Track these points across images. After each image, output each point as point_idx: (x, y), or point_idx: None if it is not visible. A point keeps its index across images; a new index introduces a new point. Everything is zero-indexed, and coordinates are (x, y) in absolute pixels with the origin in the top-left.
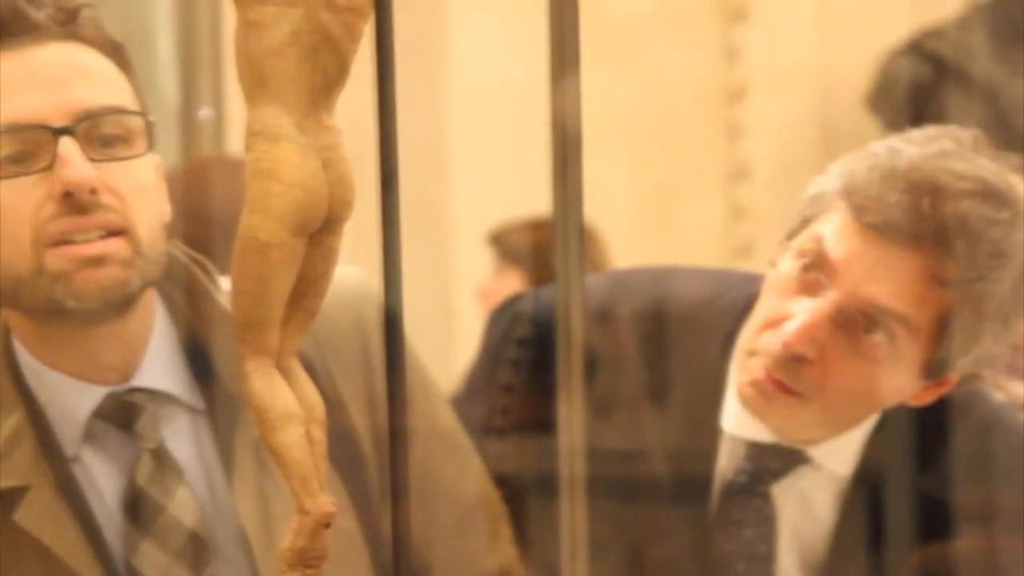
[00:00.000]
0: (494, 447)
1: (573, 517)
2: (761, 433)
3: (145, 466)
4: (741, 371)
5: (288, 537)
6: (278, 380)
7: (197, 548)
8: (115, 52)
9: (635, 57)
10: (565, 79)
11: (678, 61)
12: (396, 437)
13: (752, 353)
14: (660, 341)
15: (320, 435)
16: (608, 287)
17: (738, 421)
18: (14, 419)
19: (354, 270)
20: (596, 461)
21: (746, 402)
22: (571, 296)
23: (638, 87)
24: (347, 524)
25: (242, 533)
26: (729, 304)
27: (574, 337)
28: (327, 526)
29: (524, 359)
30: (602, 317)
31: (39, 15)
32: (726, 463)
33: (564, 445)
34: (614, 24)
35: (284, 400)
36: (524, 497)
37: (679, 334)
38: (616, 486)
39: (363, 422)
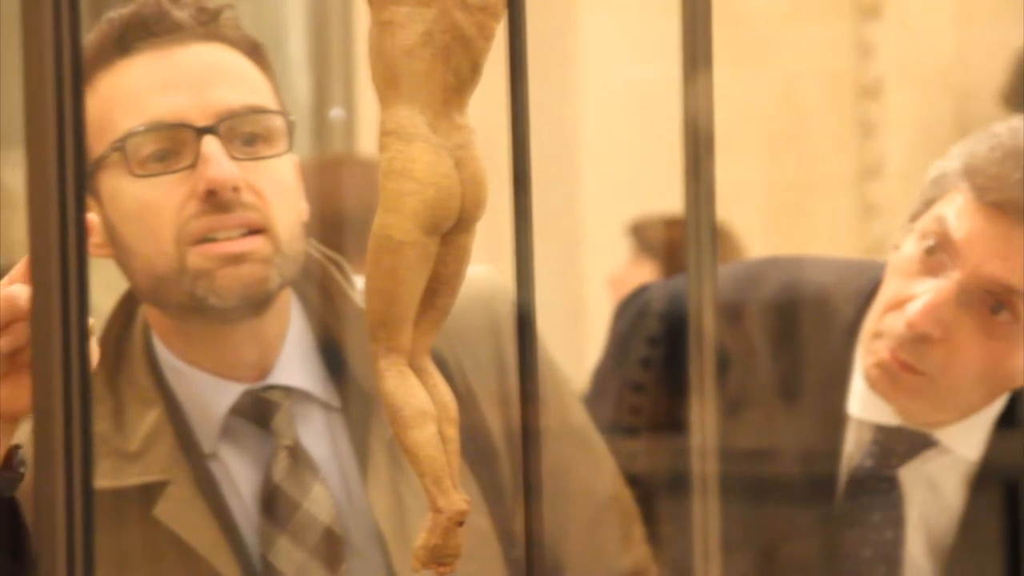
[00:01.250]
0: (624, 442)
1: (706, 516)
2: (887, 416)
3: (281, 463)
4: (867, 354)
5: (422, 535)
6: (411, 379)
7: (332, 545)
8: (255, 52)
9: (767, 54)
10: (697, 77)
11: (810, 58)
12: (528, 436)
13: (877, 335)
14: (786, 329)
15: (453, 433)
16: (731, 277)
17: (864, 404)
18: (154, 415)
19: (486, 268)
20: (727, 457)
21: (872, 384)
22: (703, 295)
23: (770, 84)
24: (480, 521)
25: (377, 530)
26: (854, 291)
27: (706, 335)
28: (460, 524)
29: (653, 352)
30: (727, 307)
31: (182, 16)
32: (853, 448)
33: (696, 444)
34: (746, 21)
35: (417, 399)
36: (655, 496)
37: (805, 322)
38: (747, 478)
39: (496, 419)
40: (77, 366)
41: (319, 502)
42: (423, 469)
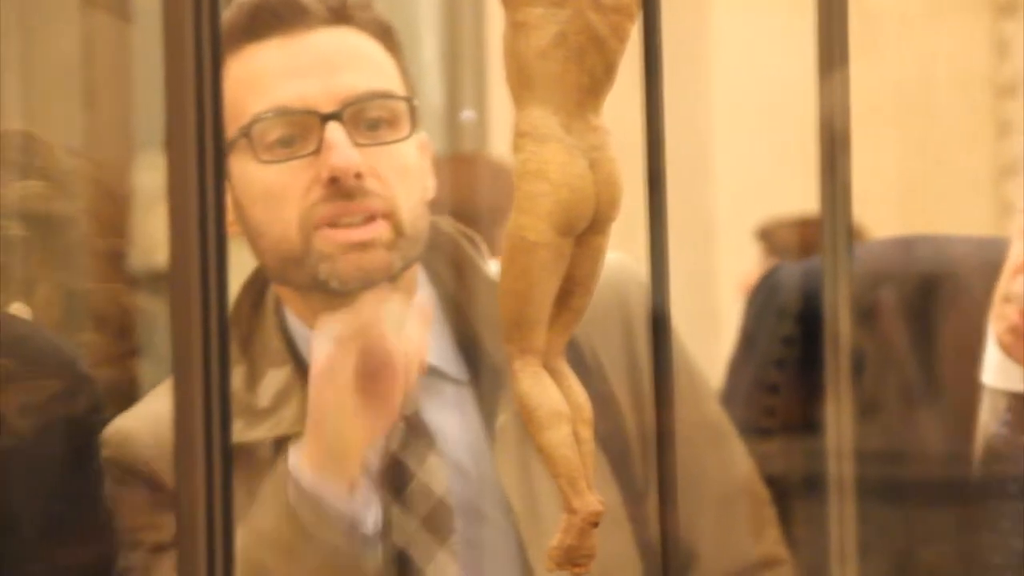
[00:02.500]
0: (759, 444)
1: (842, 518)
2: (1021, 384)
3: (398, 433)
4: (998, 319)
5: (556, 536)
6: (546, 380)
7: (443, 516)
8: (384, 34)
9: (902, 52)
10: (833, 75)
11: (946, 56)
12: (663, 437)
13: (1007, 299)
14: (915, 305)
15: (588, 434)
16: (867, 258)
17: (998, 373)
18: (284, 375)
19: (617, 255)
20: (863, 458)
21: (1006, 349)
22: (839, 295)
23: (905, 83)
24: (611, 499)
25: (507, 501)
26: (982, 264)
27: (842, 337)
28: (595, 525)
29: (786, 335)
30: (864, 287)
31: (310, 0)
32: (987, 417)
33: (832, 446)
34: (881, 19)
35: (552, 399)
36: (790, 498)
37: (933, 295)
38: (883, 479)
39: (625, 399)
40: (217, 354)
41: (433, 473)
42: (558, 470)
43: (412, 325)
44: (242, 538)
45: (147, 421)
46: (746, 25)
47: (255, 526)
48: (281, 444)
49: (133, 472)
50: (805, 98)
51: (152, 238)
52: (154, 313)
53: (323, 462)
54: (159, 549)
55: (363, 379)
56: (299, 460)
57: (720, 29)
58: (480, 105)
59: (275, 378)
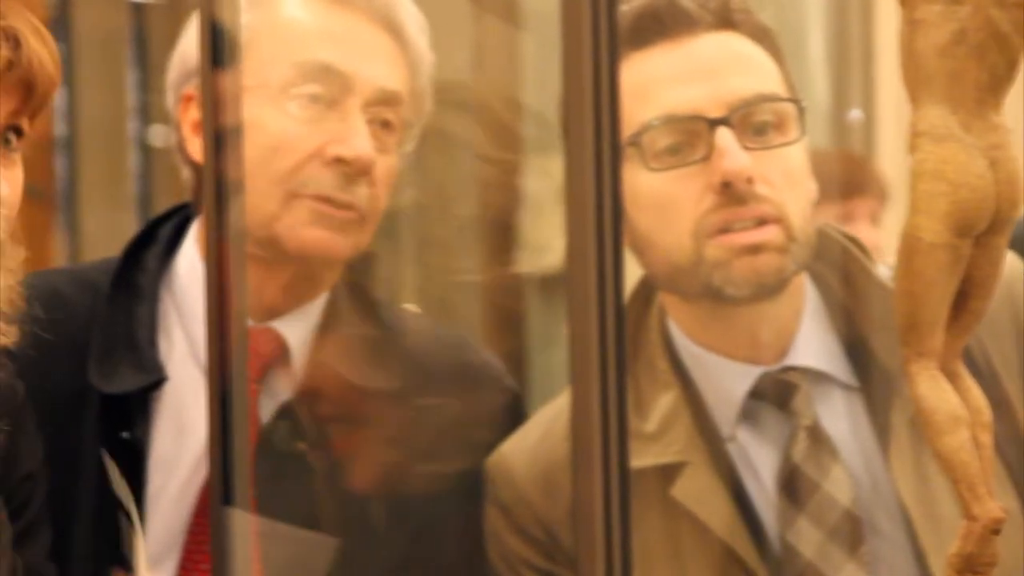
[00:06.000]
0: None
1: None
2: None
3: (801, 443)
4: None
5: (956, 543)
6: (943, 383)
7: (852, 526)
8: (765, 38)
9: None
10: None
11: None
12: None
13: None
14: None
15: (987, 439)
16: None
17: None
18: (670, 398)
19: (1008, 255)
20: None
21: None
22: None
23: None
24: (1010, 504)
25: (901, 510)
26: None
27: None
28: (996, 533)
29: None
30: None
31: (692, 6)
32: None
33: None
34: None
35: (950, 403)
36: None
37: None
38: None
39: (1021, 403)
40: (613, 359)
41: (838, 483)
42: (956, 475)
43: None
44: None
45: (529, 455)
46: None
47: None
48: (667, 472)
49: (517, 515)
50: None
51: (539, 243)
52: (543, 315)
53: None
54: None
55: None
56: None
57: None
58: (868, 104)
59: (662, 401)
